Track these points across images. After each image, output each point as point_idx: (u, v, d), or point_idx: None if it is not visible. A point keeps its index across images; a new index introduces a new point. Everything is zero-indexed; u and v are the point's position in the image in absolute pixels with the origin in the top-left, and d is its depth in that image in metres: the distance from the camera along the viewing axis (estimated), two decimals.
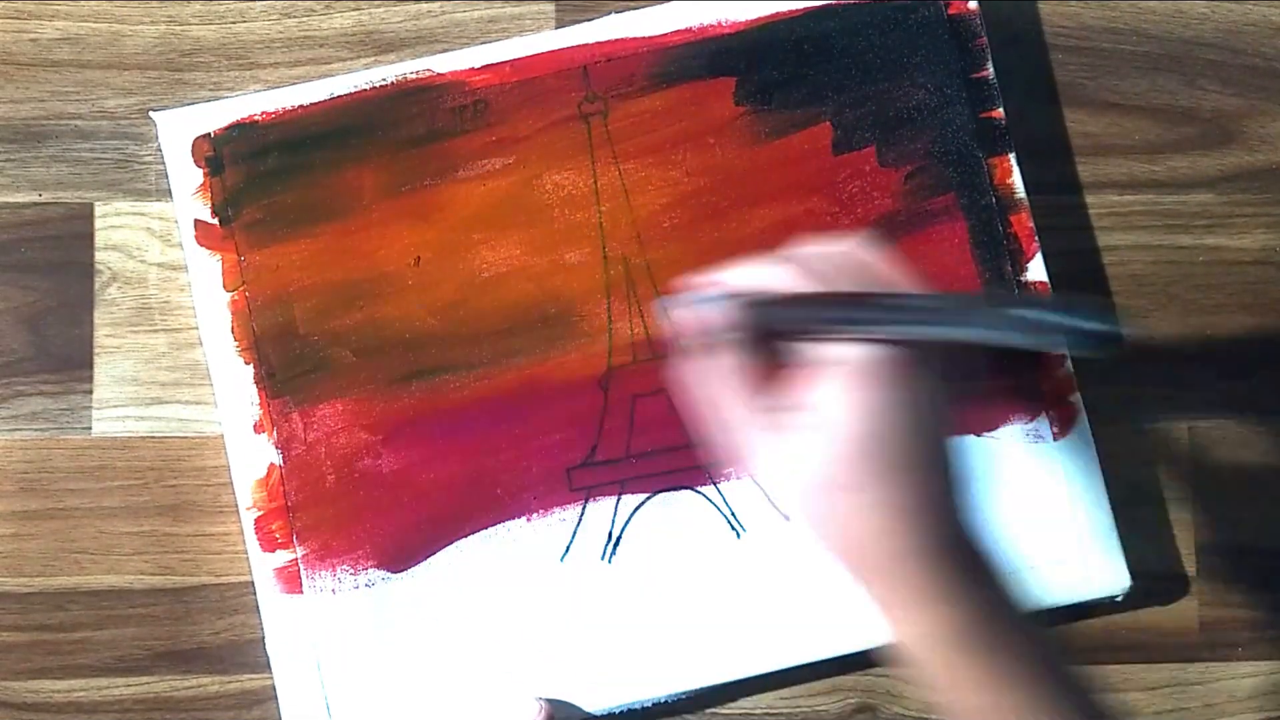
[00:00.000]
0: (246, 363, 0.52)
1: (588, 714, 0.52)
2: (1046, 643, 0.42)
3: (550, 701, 0.51)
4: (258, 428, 0.52)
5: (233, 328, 0.52)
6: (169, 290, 0.54)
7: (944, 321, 0.40)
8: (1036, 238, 0.53)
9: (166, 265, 0.54)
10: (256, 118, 0.53)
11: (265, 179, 0.53)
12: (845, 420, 0.40)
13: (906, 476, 0.40)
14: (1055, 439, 0.53)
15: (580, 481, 0.52)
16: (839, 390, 0.40)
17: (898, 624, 0.41)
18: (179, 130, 0.53)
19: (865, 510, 0.40)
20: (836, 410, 0.40)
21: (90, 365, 0.53)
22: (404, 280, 0.53)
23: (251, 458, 0.52)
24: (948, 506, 0.41)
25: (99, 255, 0.54)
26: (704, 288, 0.44)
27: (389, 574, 0.52)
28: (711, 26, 0.54)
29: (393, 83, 0.53)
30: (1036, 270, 0.53)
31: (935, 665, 0.41)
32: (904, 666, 0.42)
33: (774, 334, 0.43)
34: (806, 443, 0.41)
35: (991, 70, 0.54)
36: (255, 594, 0.52)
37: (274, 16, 0.55)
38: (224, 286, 0.52)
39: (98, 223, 0.54)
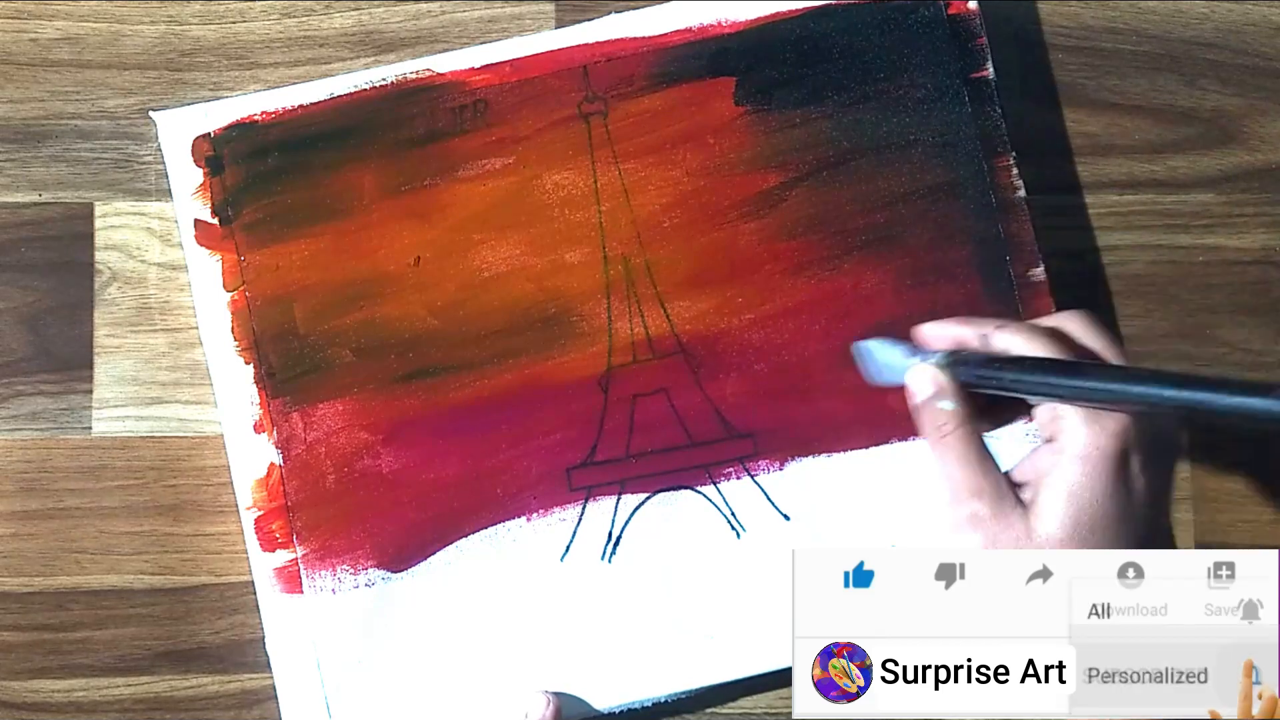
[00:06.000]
0: (246, 363, 0.52)
1: (591, 708, 0.52)
2: None
3: (556, 694, 0.51)
4: (258, 428, 0.52)
5: (233, 328, 0.52)
6: (169, 290, 0.54)
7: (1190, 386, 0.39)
8: (1036, 238, 0.53)
9: (166, 265, 0.54)
10: (256, 118, 0.53)
11: (265, 179, 0.53)
12: (1065, 502, 0.42)
13: None
14: None
15: (580, 481, 0.52)
16: (1066, 467, 0.42)
17: None
18: (179, 130, 0.53)
19: None
20: (1059, 490, 0.42)
21: (90, 365, 0.53)
22: (404, 280, 0.53)
23: (251, 457, 0.52)
24: None
25: (99, 255, 0.54)
26: (918, 343, 0.46)
27: (389, 574, 0.52)
28: (711, 26, 0.54)
29: (393, 83, 0.53)
30: (1036, 271, 0.53)
31: None
32: None
33: (995, 395, 0.44)
34: (1025, 522, 0.42)
35: (991, 70, 0.54)
36: (255, 594, 0.52)
37: (274, 16, 0.55)
38: (224, 286, 0.52)
39: (98, 223, 0.54)
